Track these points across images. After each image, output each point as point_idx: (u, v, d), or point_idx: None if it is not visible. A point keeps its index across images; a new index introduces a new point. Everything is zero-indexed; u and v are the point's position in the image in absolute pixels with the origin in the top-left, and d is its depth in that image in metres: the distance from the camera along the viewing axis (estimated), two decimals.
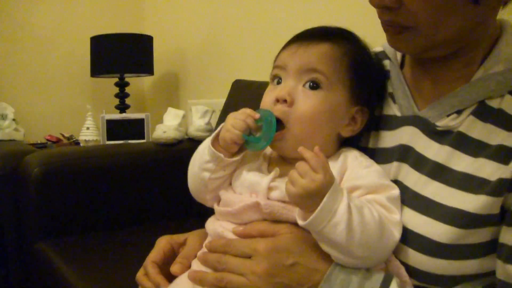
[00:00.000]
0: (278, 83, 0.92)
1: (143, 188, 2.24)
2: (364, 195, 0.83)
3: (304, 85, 0.89)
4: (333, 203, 0.75)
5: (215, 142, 0.91)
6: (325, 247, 0.79)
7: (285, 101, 0.87)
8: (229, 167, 0.92)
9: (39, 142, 2.92)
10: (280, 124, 0.88)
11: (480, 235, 0.78)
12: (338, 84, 0.89)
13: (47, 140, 2.94)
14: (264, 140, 0.86)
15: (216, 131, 0.92)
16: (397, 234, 0.81)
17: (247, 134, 0.88)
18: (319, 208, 0.74)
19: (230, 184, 0.94)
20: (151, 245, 1.05)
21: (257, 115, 0.88)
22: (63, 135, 3.02)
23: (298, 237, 0.83)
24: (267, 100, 0.91)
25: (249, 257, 0.82)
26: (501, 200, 0.76)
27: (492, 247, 0.79)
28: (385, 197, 0.83)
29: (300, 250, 0.81)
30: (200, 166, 0.93)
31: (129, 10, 3.65)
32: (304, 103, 0.87)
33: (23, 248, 2.17)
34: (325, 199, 0.74)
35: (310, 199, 0.75)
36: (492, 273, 0.79)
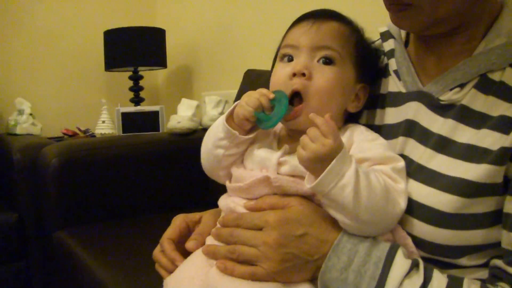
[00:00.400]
0: (289, 60, 0.95)
1: (158, 177, 2.28)
2: (371, 166, 0.86)
3: (318, 61, 0.92)
4: (341, 166, 0.77)
5: (229, 119, 0.94)
6: (332, 212, 0.81)
7: (303, 74, 0.90)
8: (242, 145, 0.95)
9: (55, 136, 2.98)
10: (292, 103, 0.91)
11: (484, 205, 0.80)
12: (347, 60, 0.94)
13: (64, 134, 2.99)
14: (274, 118, 0.89)
15: (231, 109, 0.94)
16: (402, 202, 0.83)
17: (260, 112, 0.91)
18: (327, 169, 0.76)
19: (242, 161, 0.97)
20: (161, 232, 1.07)
21: (271, 95, 0.90)
22: (79, 129, 3.06)
23: (307, 209, 0.85)
24: (281, 75, 0.93)
25: (260, 229, 0.84)
26: (504, 169, 0.78)
27: (497, 218, 0.80)
28: (391, 167, 0.85)
29: (309, 222, 0.83)
30: (214, 143, 0.95)
31: (142, 4, 3.68)
32: (322, 76, 0.91)
33: (43, 238, 2.21)
34: (333, 161, 0.76)
35: (320, 163, 0.77)
36: (498, 244, 0.81)
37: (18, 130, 2.75)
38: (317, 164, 0.78)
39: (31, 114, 2.83)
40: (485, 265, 0.83)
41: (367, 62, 0.98)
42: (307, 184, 0.81)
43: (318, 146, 0.78)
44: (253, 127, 0.95)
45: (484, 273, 0.83)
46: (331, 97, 0.92)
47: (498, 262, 0.80)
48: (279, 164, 0.89)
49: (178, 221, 1.07)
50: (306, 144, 0.79)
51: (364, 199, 0.78)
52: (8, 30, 3.18)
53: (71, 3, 3.39)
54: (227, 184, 0.97)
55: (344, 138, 0.91)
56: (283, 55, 0.97)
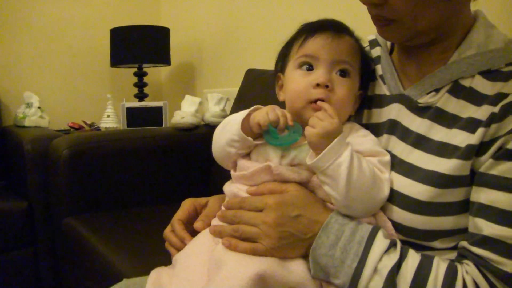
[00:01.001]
0: (308, 69, 1.02)
1: (162, 170, 2.34)
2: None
3: (336, 72, 1.01)
4: (339, 146, 0.89)
5: (243, 122, 0.99)
6: (326, 188, 0.91)
7: (326, 86, 0.99)
8: (252, 147, 1.03)
9: (62, 129, 3.01)
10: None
11: (454, 195, 0.89)
12: (357, 72, 1.04)
13: (70, 127, 3.02)
14: (282, 141, 0.97)
15: (246, 114, 1.00)
16: (386, 190, 0.93)
17: (273, 127, 0.97)
18: (329, 146, 0.88)
19: (248, 154, 1.05)
20: (165, 221, 1.15)
21: (291, 123, 0.97)
22: (85, 123, 3.10)
23: (302, 194, 0.95)
24: (303, 84, 1.01)
25: (261, 211, 0.94)
26: (470, 163, 0.87)
27: (465, 206, 0.89)
28: (378, 160, 0.95)
29: (303, 204, 0.93)
30: (228, 143, 1.02)
31: (147, 3, 3.71)
32: (341, 89, 1.00)
33: (51, 225, 2.28)
34: (334, 141, 0.88)
35: (326, 139, 0.89)
36: (466, 229, 0.89)
37: (27, 123, 2.79)
38: (324, 140, 0.89)
39: (39, 107, 2.86)
40: (454, 248, 0.92)
41: (367, 72, 1.08)
42: (308, 162, 0.91)
43: (327, 123, 0.90)
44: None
45: (453, 255, 0.91)
46: (347, 105, 1.02)
47: (464, 243, 0.88)
48: (282, 157, 0.98)
49: (187, 204, 1.16)
50: (316, 123, 0.91)
51: (355, 178, 0.88)
52: (18, 27, 3.22)
53: (79, 1, 3.43)
54: (232, 172, 1.06)
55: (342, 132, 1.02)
56: (302, 63, 1.03)
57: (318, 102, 0.96)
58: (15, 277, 2.35)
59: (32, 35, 3.28)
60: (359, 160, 0.90)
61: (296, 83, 1.03)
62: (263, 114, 0.98)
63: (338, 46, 1.01)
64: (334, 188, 0.90)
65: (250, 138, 0.99)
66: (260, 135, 1.01)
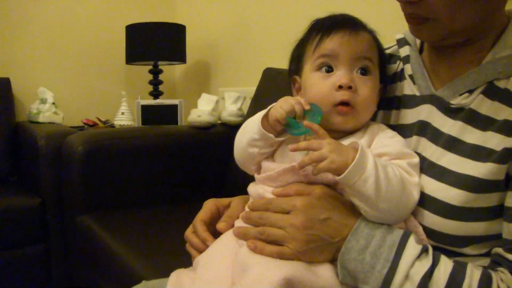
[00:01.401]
0: (327, 71, 1.00)
1: (177, 169, 2.33)
2: (389, 160, 0.93)
3: (357, 71, 0.99)
4: (362, 161, 0.84)
5: (263, 120, 0.98)
6: (355, 201, 0.88)
7: (349, 87, 0.97)
8: (275, 144, 1.01)
9: (76, 125, 3.01)
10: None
11: (488, 200, 0.86)
12: (376, 67, 1.02)
13: (84, 123, 3.02)
14: (302, 129, 0.94)
15: (265, 111, 0.99)
16: (416, 194, 0.90)
17: (292, 118, 0.95)
18: (351, 165, 0.83)
19: (272, 155, 1.03)
20: (181, 222, 1.13)
21: (307, 106, 0.96)
22: (99, 119, 3.10)
23: (330, 196, 0.92)
24: (325, 87, 0.99)
25: (288, 213, 0.91)
26: (506, 168, 0.85)
27: (499, 212, 0.86)
28: (406, 162, 0.92)
29: (332, 207, 0.90)
30: (249, 143, 1.00)
31: (163, 0, 3.70)
32: (365, 88, 0.98)
33: (64, 222, 2.28)
34: (357, 157, 0.84)
35: (339, 157, 0.85)
36: (499, 236, 0.87)
37: (41, 119, 2.80)
38: (338, 161, 0.85)
39: (53, 103, 2.87)
40: (486, 255, 0.89)
41: (383, 65, 1.07)
42: (336, 177, 0.87)
43: (328, 163, 0.86)
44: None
45: (485, 262, 0.88)
46: (372, 104, 1.01)
47: (498, 250, 0.86)
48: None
49: (209, 205, 1.13)
50: (319, 157, 0.87)
51: (384, 190, 0.85)
52: (33, 23, 3.23)
53: None
54: (256, 176, 1.04)
55: (367, 134, 0.99)
56: (320, 65, 1.01)
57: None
58: (26, 273, 2.35)
59: (47, 31, 3.29)
60: (384, 169, 0.87)
61: (318, 87, 1.00)
62: (278, 108, 0.96)
63: (356, 43, 0.99)
64: (362, 201, 0.88)
65: (271, 135, 0.97)
66: (283, 132, 0.99)
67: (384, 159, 0.92)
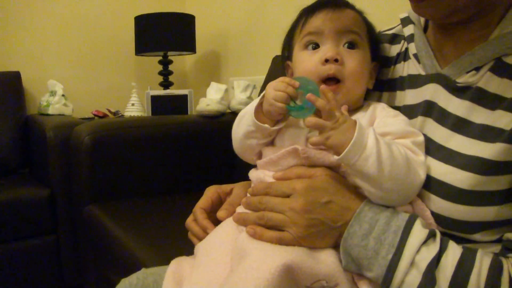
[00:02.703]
0: (314, 48, 0.99)
1: (186, 158, 2.31)
2: (393, 140, 0.89)
3: (343, 46, 0.97)
4: (361, 139, 0.81)
5: (258, 110, 0.96)
6: (358, 181, 0.85)
7: (335, 60, 0.95)
8: (274, 133, 0.99)
9: (86, 117, 3.00)
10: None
11: (498, 183, 0.82)
12: (365, 43, 1.00)
13: (94, 115, 3.02)
14: (308, 110, 0.89)
15: (257, 103, 0.96)
16: (422, 173, 0.86)
17: (289, 103, 0.92)
18: (350, 144, 0.80)
19: (272, 141, 1.01)
20: (189, 211, 1.10)
21: (296, 83, 0.92)
22: (109, 111, 3.09)
23: (332, 179, 0.88)
24: (311, 63, 0.97)
25: (288, 196, 0.88)
26: None
27: (510, 195, 0.82)
28: (411, 141, 0.89)
29: (334, 190, 0.86)
30: (246, 135, 0.99)
31: None
32: (353, 61, 0.96)
33: (73, 213, 2.29)
34: (355, 135, 0.80)
35: (341, 137, 0.83)
36: (510, 221, 0.83)
37: (51, 111, 2.81)
38: (339, 139, 0.83)
39: (63, 95, 2.88)
40: (497, 241, 0.85)
41: (374, 43, 1.04)
42: (335, 156, 0.84)
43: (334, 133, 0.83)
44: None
45: (496, 248, 0.84)
46: (361, 78, 0.98)
47: (510, 236, 0.82)
48: (307, 139, 0.92)
49: (210, 192, 1.11)
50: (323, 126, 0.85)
51: (387, 168, 0.81)
52: (42, 15, 3.23)
53: None
54: (257, 162, 1.01)
55: (368, 113, 0.96)
56: (306, 43, 1.00)
57: (321, 87, 0.89)
58: (36, 264, 2.36)
59: (56, 23, 3.29)
60: (388, 147, 0.83)
61: (303, 63, 1.00)
62: (273, 104, 0.92)
63: (340, 18, 0.98)
64: (365, 180, 0.84)
65: (266, 126, 0.95)
66: (280, 120, 0.97)
67: (388, 139, 0.89)
